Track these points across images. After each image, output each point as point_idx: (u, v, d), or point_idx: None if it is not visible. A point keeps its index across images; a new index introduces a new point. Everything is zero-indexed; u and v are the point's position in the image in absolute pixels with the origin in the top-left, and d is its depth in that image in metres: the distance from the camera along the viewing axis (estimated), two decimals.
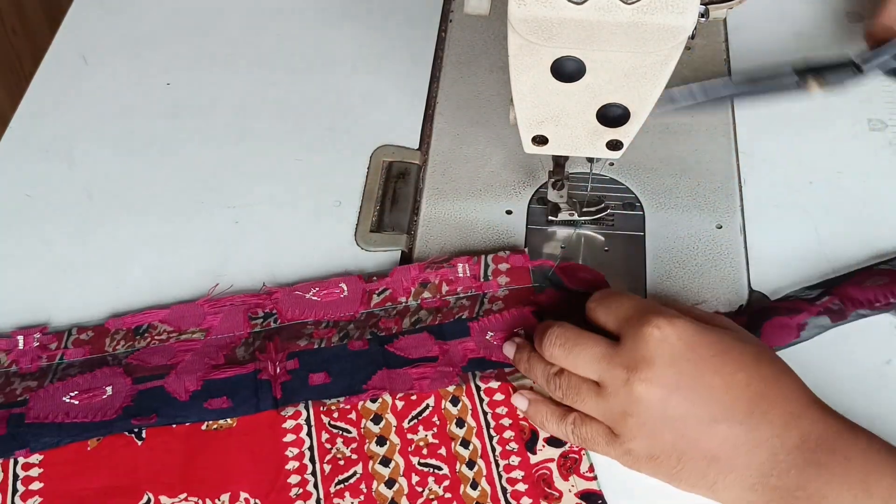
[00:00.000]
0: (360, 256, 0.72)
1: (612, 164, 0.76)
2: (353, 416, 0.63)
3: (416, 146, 0.78)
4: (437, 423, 0.62)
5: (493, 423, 0.62)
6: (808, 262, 0.70)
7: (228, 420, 0.63)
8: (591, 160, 0.71)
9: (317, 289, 0.68)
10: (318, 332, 0.67)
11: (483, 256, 0.69)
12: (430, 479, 0.60)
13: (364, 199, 0.75)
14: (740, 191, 0.75)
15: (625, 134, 0.62)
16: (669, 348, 0.57)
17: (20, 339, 0.67)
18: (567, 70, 0.57)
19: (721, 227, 0.73)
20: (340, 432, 0.62)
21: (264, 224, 0.74)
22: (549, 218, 0.73)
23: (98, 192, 0.75)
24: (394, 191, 0.76)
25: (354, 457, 0.61)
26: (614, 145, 0.63)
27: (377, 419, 0.63)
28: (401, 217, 0.74)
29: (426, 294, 0.68)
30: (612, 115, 0.60)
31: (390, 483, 0.60)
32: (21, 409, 0.63)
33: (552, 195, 0.71)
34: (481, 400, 0.63)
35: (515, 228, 0.73)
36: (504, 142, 0.78)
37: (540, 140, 0.64)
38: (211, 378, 0.64)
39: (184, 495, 0.60)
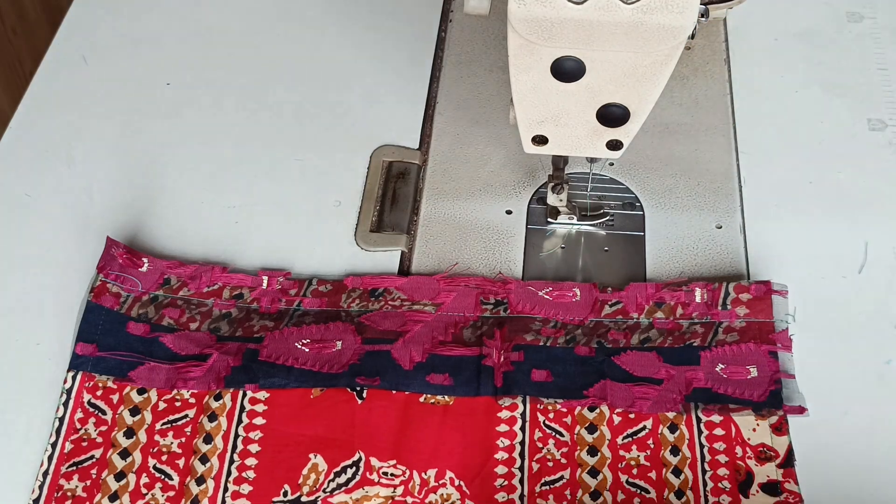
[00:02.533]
0: (360, 256, 0.72)
1: (612, 164, 0.76)
2: (568, 420, 0.63)
3: (416, 146, 0.78)
4: (652, 446, 0.62)
5: (708, 458, 0.61)
6: (808, 262, 0.70)
7: (446, 397, 0.64)
8: (591, 160, 0.71)
9: (550, 288, 0.68)
10: (545, 329, 0.67)
11: (724, 284, 0.67)
12: (636, 499, 0.60)
13: (364, 199, 0.75)
14: (740, 191, 0.75)
15: (625, 134, 0.62)
16: None
17: (265, 279, 0.69)
18: (567, 70, 0.57)
19: (721, 227, 0.73)
20: (554, 434, 0.62)
21: (264, 224, 0.74)
22: (549, 220, 0.73)
23: (98, 193, 0.75)
24: (394, 191, 0.76)
25: (564, 461, 0.61)
26: (614, 145, 0.63)
27: (592, 429, 0.62)
28: (401, 217, 0.74)
29: (659, 314, 0.67)
30: (612, 115, 0.60)
31: (595, 495, 0.60)
32: (256, 346, 0.65)
33: (551, 199, 0.71)
34: (700, 432, 0.62)
35: (515, 228, 0.73)
36: (504, 142, 0.78)
37: (540, 140, 0.64)
38: (436, 353, 0.65)
39: (393, 462, 0.61)
